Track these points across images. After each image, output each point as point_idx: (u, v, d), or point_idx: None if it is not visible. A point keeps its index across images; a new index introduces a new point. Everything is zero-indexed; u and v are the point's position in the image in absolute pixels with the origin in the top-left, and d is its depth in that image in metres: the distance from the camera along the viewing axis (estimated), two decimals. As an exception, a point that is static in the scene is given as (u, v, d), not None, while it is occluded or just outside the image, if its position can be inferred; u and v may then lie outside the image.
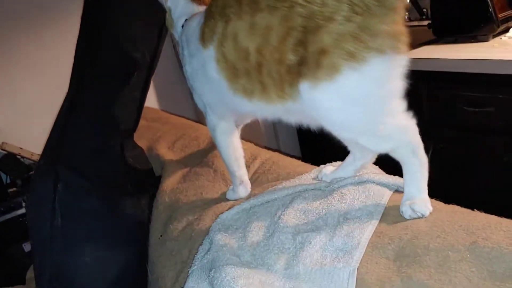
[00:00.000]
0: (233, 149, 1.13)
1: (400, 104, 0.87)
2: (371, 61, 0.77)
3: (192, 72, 1.06)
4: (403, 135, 0.90)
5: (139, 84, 1.35)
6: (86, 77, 1.29)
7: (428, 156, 1.98)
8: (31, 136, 2.73)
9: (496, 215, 0.85)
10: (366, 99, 0.83)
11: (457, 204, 0.94)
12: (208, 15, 0.97)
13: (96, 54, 1.29)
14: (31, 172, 2.64)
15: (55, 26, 2.75)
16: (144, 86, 1.37)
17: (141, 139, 1.51)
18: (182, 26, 1.12)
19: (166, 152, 1.48)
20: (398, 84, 0.84)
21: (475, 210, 0.89)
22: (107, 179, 1.25)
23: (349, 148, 1.04)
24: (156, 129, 1.70)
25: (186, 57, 1.07)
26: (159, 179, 1.35)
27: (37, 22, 2.71)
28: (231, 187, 1.17)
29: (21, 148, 2.68)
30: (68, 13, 2.75)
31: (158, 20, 1.31)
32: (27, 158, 2.67)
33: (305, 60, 0.80)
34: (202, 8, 1.09)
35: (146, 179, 1.35)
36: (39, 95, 2.76)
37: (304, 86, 0.81)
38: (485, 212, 0.87)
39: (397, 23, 0.78)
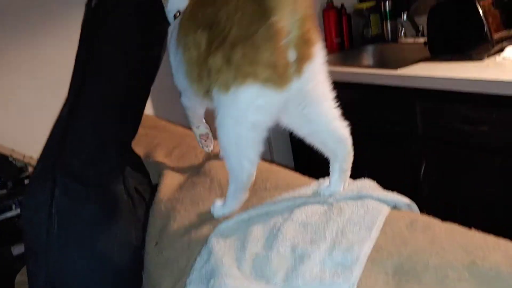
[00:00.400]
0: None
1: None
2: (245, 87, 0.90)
3: (172, 62, 1.21)
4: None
5: (139, 92, 1.35)
6: (86, 84, 1.29)
7: (421, 172, 2.01)
8: (23, 138, 2.72)
9: (489, 231, 0.87)
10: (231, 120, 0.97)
11: (451, 219, 0.96)
12: (183, 20, 1.12)
13: (97, 61, 1.29)
14: (22, 174, 2.63)
15: (53, 29, 2.74)
16: (145, 95, 1.37)
17: (138, 146, 1.51)
18: (175, 17, 1.21)
19: (163, 161, 1.48)
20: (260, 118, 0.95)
21: (472, 228, 0.90)
22: (104, 186, 1.24)
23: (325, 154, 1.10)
24: (153, 137, 1.70)
25: (171, 47, 1.19)
26: (156, 188, 1.35)
27: (35, 24, 2.70)
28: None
29: (13, 150, 2.66)
30: (67, 17, 2.75)
31: (160, 29, 1.32)
32: (19, 160, 2.65)
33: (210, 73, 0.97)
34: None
35: (143, 187, 1.35)
36: (32, 97, 2.74)
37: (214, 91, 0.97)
38: (478, 228, 0.89)
39: (279, 50, 0.87)
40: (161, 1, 1.26)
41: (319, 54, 0.94)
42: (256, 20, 0.87)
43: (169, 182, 1.34)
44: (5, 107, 2.71)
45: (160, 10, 1.29)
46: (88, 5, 1.46)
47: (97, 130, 1.27)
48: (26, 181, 2.61)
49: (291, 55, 0.89)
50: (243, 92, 0.90)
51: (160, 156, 1.52)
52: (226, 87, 0.92)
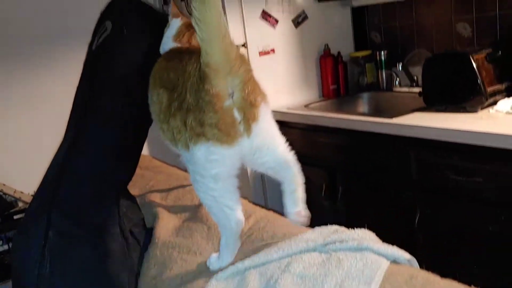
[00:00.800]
0: None
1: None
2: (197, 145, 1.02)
3: None
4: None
5: (138, 135, 1.36)
6: (86, 124, 1.30)
7: (416, 220, 2.01)
8: (15, 173, 2.70)
9: (482, 282, 0.87)
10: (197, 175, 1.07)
11: (447, 269, 0.97)
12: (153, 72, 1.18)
13: (97, 104, 1.30)
14: (12, 210, 2.59)
15: (52, 64, 2.77)
16: (143, 137, 1.38)
17: (133, 187, 1.51)
18: None
19: (159, 203, 1.47)
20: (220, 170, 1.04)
21: (471, 286, 0.90)
22: (99, 228, 1.23)
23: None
24: (149, 178, 1.70)
25: None
26: (151, 231, 1.34)
27: (35, 58, 2.73)
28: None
29: (4, 184, 2.64)
30: (66, 53, 2.78)
31: None
32: (9, 195, 2.62)
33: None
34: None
35: (138, 230, 1.34)
36: (26, 133, 2.75)
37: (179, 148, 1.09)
38: (471, 278, 0.89)
39: (220, 112, 0.98)
40: None
41: (264, 112, 1.05)
42: (199, 87, 0.99)
43: (165, 226, 1.32)
44: (1, 142, 2.70)
45: None
46: (90, 47, 1.49)
47: (94, 172, 1.27)
48: (15, 217, 2.57)
49: (237, 115, 1.00)
50: (198, 150, 1.02)
51: (155, 198, 1.52)
52: (186, 146, 1.04)
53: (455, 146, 1.67)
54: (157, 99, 1.12)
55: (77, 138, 1.29)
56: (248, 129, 1.02)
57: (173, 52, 1.19)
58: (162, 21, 1.33)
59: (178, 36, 1.25)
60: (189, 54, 1.07)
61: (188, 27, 1.26)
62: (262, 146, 1.06)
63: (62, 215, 1.19)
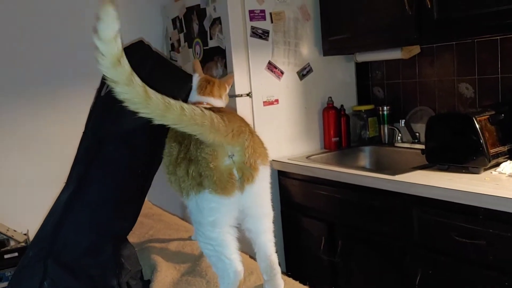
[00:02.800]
0: None
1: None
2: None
3: None
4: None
5: (142, 190, 1.36)
6: (89, 174, 1.29)
7: (416, 280, 1.97)
8: (9, 211, 2.66)
9: None
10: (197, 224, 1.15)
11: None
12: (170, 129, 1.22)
13: (104, 157, 1.30)
14: (3, 248, 2.54)
15: (53, 106, 2.79)
16: (146, 192, 1.38)
17: (132, 235, 1.48)
18: None
19: (157, 254, 1.44)
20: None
21: None
22: (96, 280, 1.20)
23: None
24: (149, 227, 1.67)
25: None
26: (148, 284, 1.30)
27: (39, 98, 2.75)
28: None
29: (-3, 222, 2.59)
30: (67, 95, 2.81)
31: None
32: (2, 233, 2.58)
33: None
34: (205, 98, 1.35)
35: (135, 282, 1.30)
36: (22, 173, 2.73)
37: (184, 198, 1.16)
38: None
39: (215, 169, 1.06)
40: None
41: (262, 176, 1.13)
42: (198, 143, 1.08)
43: (163, 280, 1.29)
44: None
45: None
46: (98, 93, 1.50)
47: (94, 222, 1.26)
48: (6, 256, 2.52)
49: (236, 174, 1.09)
50: (198, 197, 1.10)
51: (154, 248, 1.48)
52: (187, 194, 1.11)
53: (459, 207, 1.66)
54: (169, 152, 1.20)
55: (78, 187, 1.28)
56: (242, 187, 1.10)
57: None
58: (177, 75, 1.36)
59: (200, 89, 1.36)
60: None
61: (208, 81, 1.37)
62: (248, 210, 1.14)
63: (59, 264, 1.16)
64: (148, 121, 1.34)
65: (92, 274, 1.20)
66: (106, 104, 1.38)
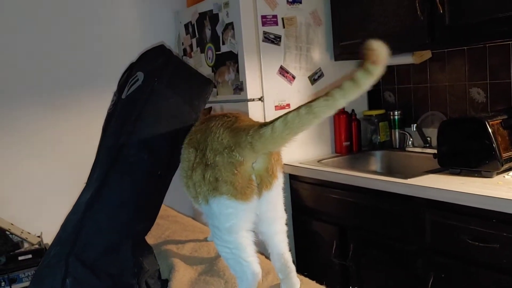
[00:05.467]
0: None
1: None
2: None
3: None
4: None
5: (161, 192, 1.38)
6: (110, 176, 1.30)
7: (429, 284, 1.97)
8: (23, 214, 2.70)
9: None
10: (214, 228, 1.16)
11: None
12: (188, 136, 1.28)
13: (126, 160, 1.32)
14: (17, 250, 2.57)
15: (71, 110, 2.83)
16: (164, 193, 1.39)
17: (149, 236, 1.50)
18: None
19: (175, 254, 1.46)
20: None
21: None
22: (116, 279, 1.22)
23: None
24: (165, 228, 1.69)
25: None
26: (166, 283, 1.32)
27: (54, 103, 2.79)
28: None
29: (12, 224, 2.63)
30: (82, 98, 2.85)
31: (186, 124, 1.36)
32: (16, 235, 2.61)
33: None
34: None
35: (153, 281, 1.32)
36: (38, 176, 2.77)
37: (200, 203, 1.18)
38: None
39: (238, 175, 1.07)
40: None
41: (278, 183, 1.14)
42: (225, 150, 1.08)
43: (181, 279, 1.31)
44: (13, 182, 2.72)
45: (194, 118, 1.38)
46: (118, 96, 1.51)
47: (114, 225, 1.28)
48: (20, 257, 2.55)
49: (255, 179, 1.09)
50: (214, 202, 1.10)
51: (171, 249, 1.50)
52: (205, 199, 1.12)
53: (472, 211, 1.67)
54: (187, 157, 1.21)
55: (99, 189, 1.30)
56: (260, 193, 1.11)
57: (209, 118, 1.26)
58: (196, 79, 1.39)
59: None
60: (219, 116, 1.18)
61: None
62: (262, 214, 1.14)
63: (81, 263, 1.19)
64: (167, 126, 1.37)
65: (111, 273, 1.22)
66: (126, 107, 1.40)
